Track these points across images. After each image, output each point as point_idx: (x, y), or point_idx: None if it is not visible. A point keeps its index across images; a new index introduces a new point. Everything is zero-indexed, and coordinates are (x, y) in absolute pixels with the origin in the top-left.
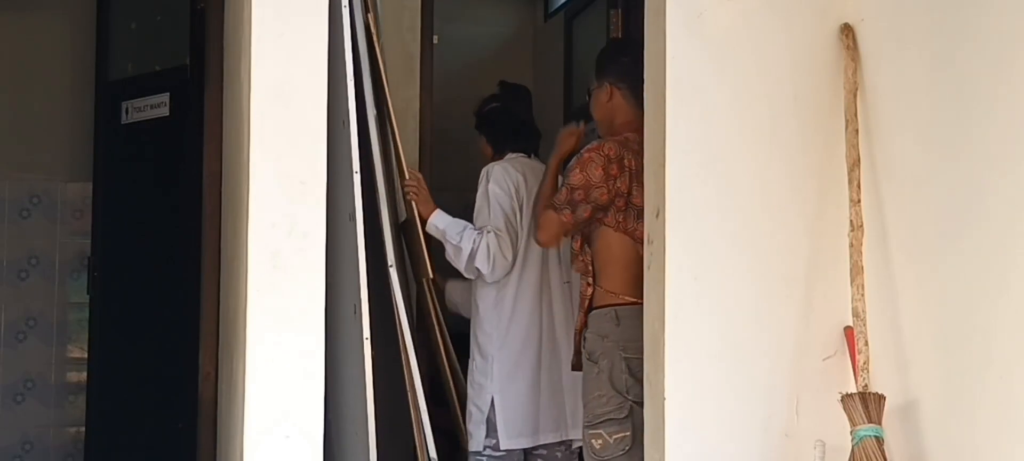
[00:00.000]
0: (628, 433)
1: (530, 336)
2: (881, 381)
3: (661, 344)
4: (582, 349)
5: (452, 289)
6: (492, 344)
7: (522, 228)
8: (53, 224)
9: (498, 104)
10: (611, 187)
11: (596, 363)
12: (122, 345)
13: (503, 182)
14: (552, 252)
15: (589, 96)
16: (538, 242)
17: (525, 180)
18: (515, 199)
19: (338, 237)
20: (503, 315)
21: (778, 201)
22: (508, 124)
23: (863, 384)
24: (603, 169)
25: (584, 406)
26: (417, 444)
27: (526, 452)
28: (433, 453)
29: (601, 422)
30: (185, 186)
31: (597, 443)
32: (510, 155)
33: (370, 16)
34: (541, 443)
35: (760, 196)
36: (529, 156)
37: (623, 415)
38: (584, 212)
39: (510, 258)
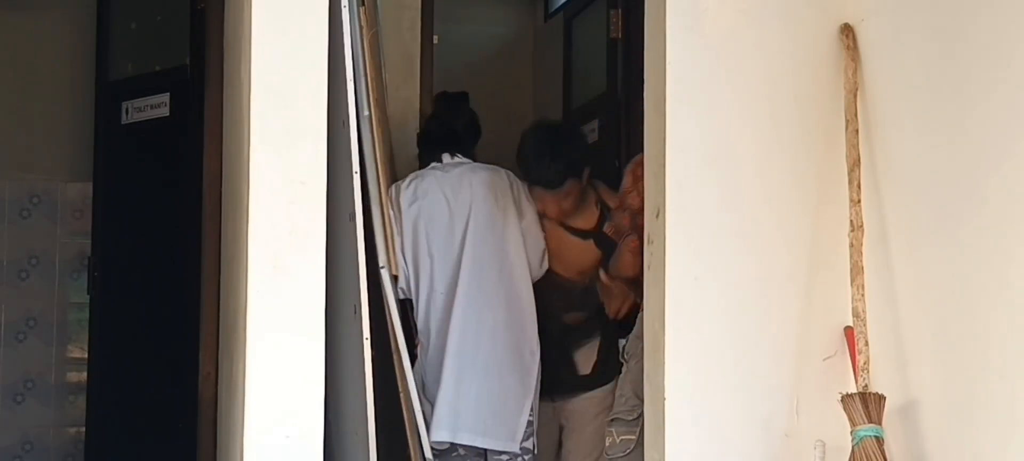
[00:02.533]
0: (634, 437)
1: (451, 339)
2: (881, 381)
3: (661, 344)
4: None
5: None
6: (423, 345)
7: (425, 240)
8: (53, 224)
9: (432, 118)
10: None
11: (627, 363)
12: (122, 345)
13: (394, 199)
14: (485, 258)
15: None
16: None
17: (428, 189)
18: (398, 212)
19: (338, 237)
20: (432, 319)
21: (778, 201)
22: (432, 135)
23: (863, 384)
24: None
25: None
26: (411, 445)
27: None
28: (429, 454)
29: (613, 421)
30: (185, 186)
31: (607, 440)
32: (432, 165)
33: (362, 10)
34: (459, 443)
35: (760, 196)
36: (454, 156)
37: (632, 417)
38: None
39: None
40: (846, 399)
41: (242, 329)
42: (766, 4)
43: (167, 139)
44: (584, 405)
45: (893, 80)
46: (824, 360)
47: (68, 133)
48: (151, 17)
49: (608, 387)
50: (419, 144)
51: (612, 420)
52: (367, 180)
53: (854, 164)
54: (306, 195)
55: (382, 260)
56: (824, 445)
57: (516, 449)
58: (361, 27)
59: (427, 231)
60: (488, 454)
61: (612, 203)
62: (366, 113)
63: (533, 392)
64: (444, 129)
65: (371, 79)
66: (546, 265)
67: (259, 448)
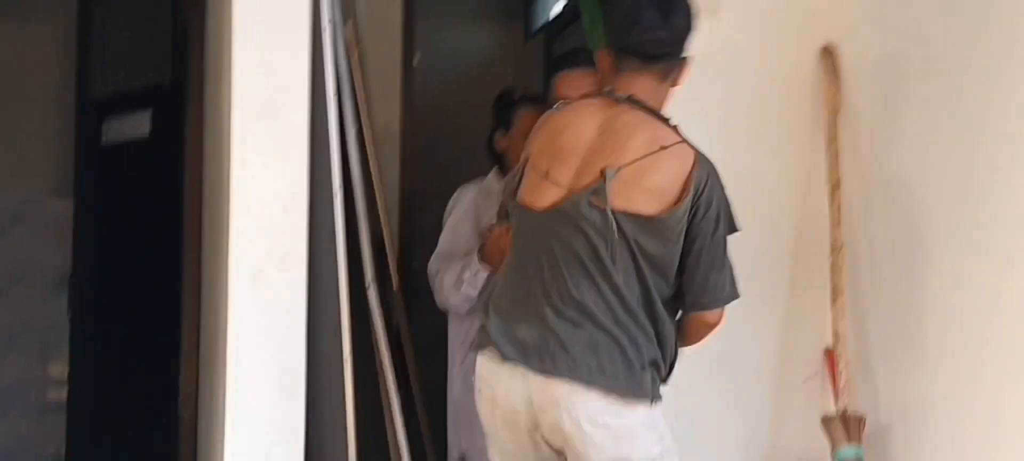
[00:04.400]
0: None
1: None
2: (861, 401)
3: None
4: None
5: None
6: None
7: None
8: (33, 241)
9: None
10: None
11: None
12: (102, 364)
13: None
14: None
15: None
16: None
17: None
18: None
19: (320, 255)
20: None
21: (760, 221)
22: None
23: (843, 405)
24: None
25: None
26: None
27: None
28: None
29: None
30: (166, 204)
31: None
32: None
33: (351, 24)
34: None
35: (742, 215)
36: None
37: None
38: None
39: None
40: (827, 420)
41: (223, 348)
42: (749, 24)
43: (148, 158)
44: None
45: (876, 99)
46: (805, 381)
47: (49, 150)
48: (133, 35)
49: None
50: None
51: None
52: (355, 196)
53: (835, 185)
54: (288, 213)
55: (368, 278)
56: None
57: None
58: (347, 43)
59: None
60: None
61: None
62: (356, 128)
63: None
64: None
65: (361, 95)
66: None
67: None
